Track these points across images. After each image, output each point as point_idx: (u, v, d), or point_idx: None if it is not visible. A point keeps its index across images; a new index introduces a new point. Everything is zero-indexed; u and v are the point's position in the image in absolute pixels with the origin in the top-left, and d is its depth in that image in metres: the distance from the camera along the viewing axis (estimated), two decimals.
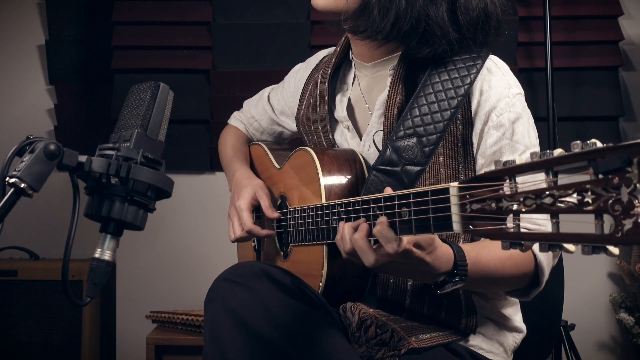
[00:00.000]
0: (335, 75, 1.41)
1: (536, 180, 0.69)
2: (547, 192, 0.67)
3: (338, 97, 1.39)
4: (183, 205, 2.66)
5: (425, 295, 1.18)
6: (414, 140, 1.16)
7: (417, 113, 1.17)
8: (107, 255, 0.96)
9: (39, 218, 2.66)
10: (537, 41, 2.56)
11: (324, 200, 1.20)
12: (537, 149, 1.20)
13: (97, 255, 0.95)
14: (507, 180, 0.73)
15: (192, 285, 2.64)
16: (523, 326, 1.28)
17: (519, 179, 0.73)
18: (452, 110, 1.16)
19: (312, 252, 1.23)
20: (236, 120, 1.73)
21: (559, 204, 0.65)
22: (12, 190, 0.86)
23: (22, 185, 0.86)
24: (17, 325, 2.41)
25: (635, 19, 2.67)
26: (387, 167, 1.18)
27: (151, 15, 2.70)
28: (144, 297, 2.65)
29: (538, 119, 1.25)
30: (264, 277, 1.08)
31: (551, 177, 0.68)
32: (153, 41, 2.70)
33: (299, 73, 1.56)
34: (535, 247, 1.10)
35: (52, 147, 0.88)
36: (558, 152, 0.67)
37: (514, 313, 1.27)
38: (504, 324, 1.25)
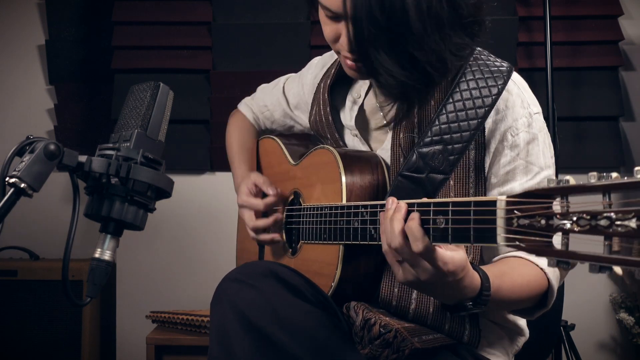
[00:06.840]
0: (347, 78, 1.35)
1: (588, 202, 0.67)
2: (605, 214, 0.65)
3: (348, 104, 1.36)
4: (183, 205, 2.66)
5: (429, 310, 1.17)
6: (440, 147, 1.15)
7: (445, 120, 1.15)
8: (107, 255, 0.96)
9: (39, 218, 2.65)
10: (537, 41, 2.56)
11: (344, 201, 1.19)
12: (552, 170, 1.19)
13: (97, 255, 0.96)
14: (559, 199, 0.73)
15: (192, 285, 2.64)
16: (526, 329, 1.27)
17: (571, 199, 0.71)
18: (479, 120, 1.14)
19: (325, 251, 1.22)
20: (246, 107, 1.67)
21: (615, 227, 0.64)
22: (12, 190, 0.86)
23: (22, 185, 0.86)
24: (17, 325, 2.41)
25: (635, 19, 2.66)
26: (413, 174, 1.16)
27: (151, 15, 2.70)
28: (144, 297, 2.65)
29: None
30: (272, 278, 1.07)
31: (607, 199, 0.66)
32: (153, 41, 2.70)
33: (315, 70, 1.50)
34: (546, 268, 1.10)
35: (52, 147, 0.88)
36: (615, 175, 0.66)
37: (517, 317, 1.26)
38: (507, 327, 1.25)
